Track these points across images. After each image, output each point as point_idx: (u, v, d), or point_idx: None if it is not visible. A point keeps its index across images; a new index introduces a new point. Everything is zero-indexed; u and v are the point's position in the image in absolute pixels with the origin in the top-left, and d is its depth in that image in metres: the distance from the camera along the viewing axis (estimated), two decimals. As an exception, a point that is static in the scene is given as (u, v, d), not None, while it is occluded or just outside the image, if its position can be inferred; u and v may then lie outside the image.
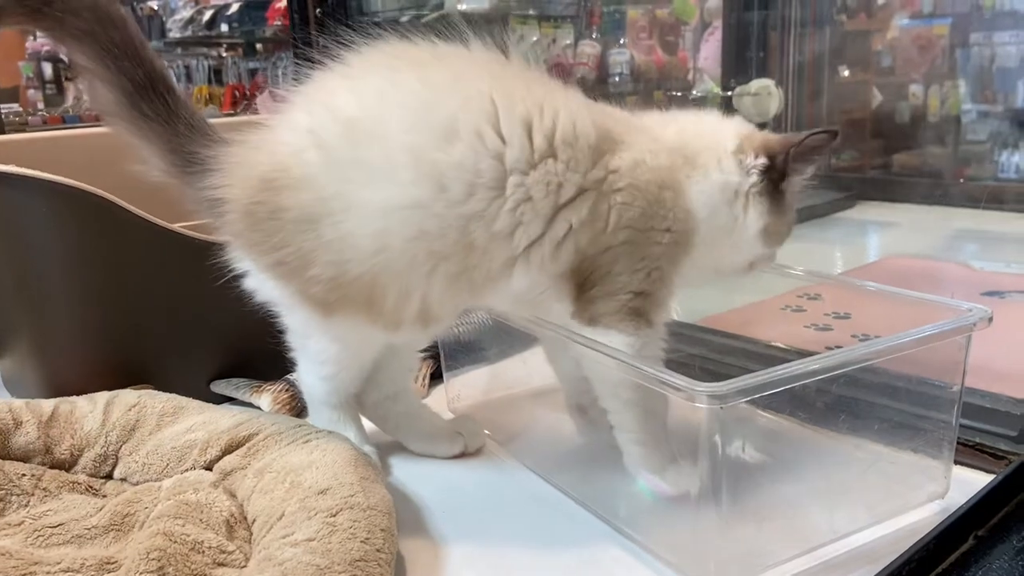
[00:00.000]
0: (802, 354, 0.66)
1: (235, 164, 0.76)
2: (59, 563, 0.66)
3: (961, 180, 2.07)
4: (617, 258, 0.73)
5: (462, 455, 0.90)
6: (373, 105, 0.72)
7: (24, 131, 1.54)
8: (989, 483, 0.72)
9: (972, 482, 0.75)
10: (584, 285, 0.75)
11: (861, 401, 0.75)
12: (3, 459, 0.78)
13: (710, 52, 2.64)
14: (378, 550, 0.63)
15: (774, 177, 0.76)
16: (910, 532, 0.68)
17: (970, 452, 0.82)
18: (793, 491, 0.76)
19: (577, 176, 0.72)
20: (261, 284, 0.80)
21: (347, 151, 0.71)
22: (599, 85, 2.67)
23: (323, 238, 0.71)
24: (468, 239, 0.70)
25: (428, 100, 0.71)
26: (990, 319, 0.71)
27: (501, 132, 0.70)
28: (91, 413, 0.82)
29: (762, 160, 0.75)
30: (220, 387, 1.02)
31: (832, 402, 0.77)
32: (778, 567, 0.66)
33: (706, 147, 0.77)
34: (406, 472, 0.87)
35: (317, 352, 0.82)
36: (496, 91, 0.71)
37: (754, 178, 0.76)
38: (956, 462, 0.79)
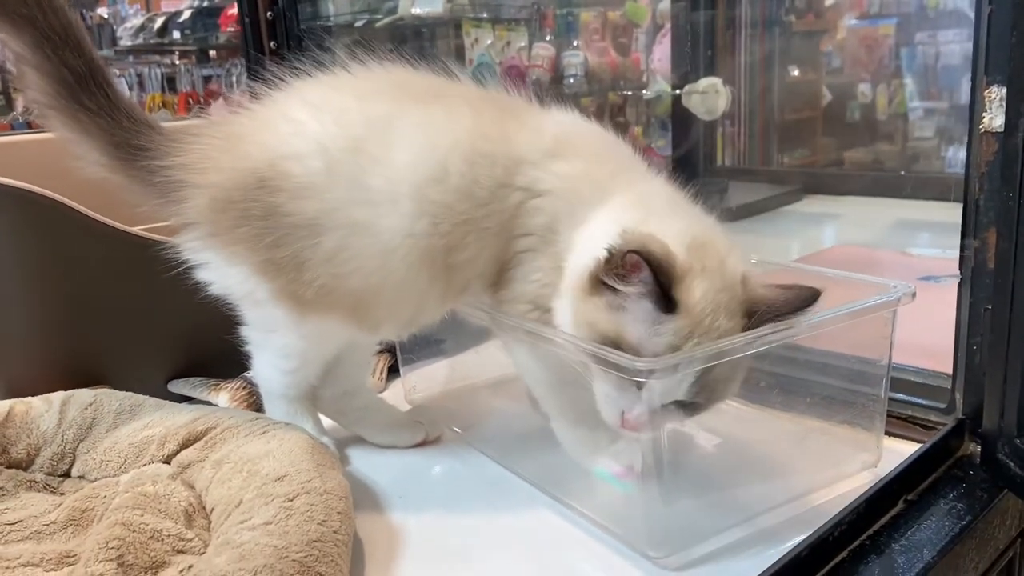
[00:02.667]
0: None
1: (216, 148, 0.76)
2: (18, 558, 0.67)
3: (902, 173, 2.14)
4: (518, 263, 0.76)
5: (423, 443, 0.92)
6: (381, 131, 0.75)
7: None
8: (918, 450, 0.77)
9: (904, 452, 0.79)
10: (497, 284, 0.78)
11: (796, 378, 0.79)
12: (-41, 460, 0.79)
13: (663, 53, 2.68)
14: (335, 531, 0.65)
15: (606, 265, 0.67)
16: (844, 500, 0.71)
17: (903, 424, 0.86)
18: (732, 464, 0.80)
19: (519, 192, 0.75)
20: (223, 276, 0.80)
21: (353, 170, 0.74)
22: (554, 86, 2.70)
23: (323, 247, 0.74)
24: (449, 262, 0.76)
25: (427, 139, 0.75)
26: (913, 295, 0.75)
27: (475, 171, 0.74)
28: (47, 412, 0.83)
29: (620, 244, 0.66)
30: (178, 387, 1.02)
31: (769, 378, 0.80)
32: (718, 536, 0.69)
33: (627, 212, 0.72)
34: (364, 461, 0.89)
35: (282, 347, 0.83)
36: (476, 130, 0.75)
37: (603, 250, 0.68)
38: (890, 434, 0.84)
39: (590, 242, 0.71)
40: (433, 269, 0.76)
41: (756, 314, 0.67)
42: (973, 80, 0.74)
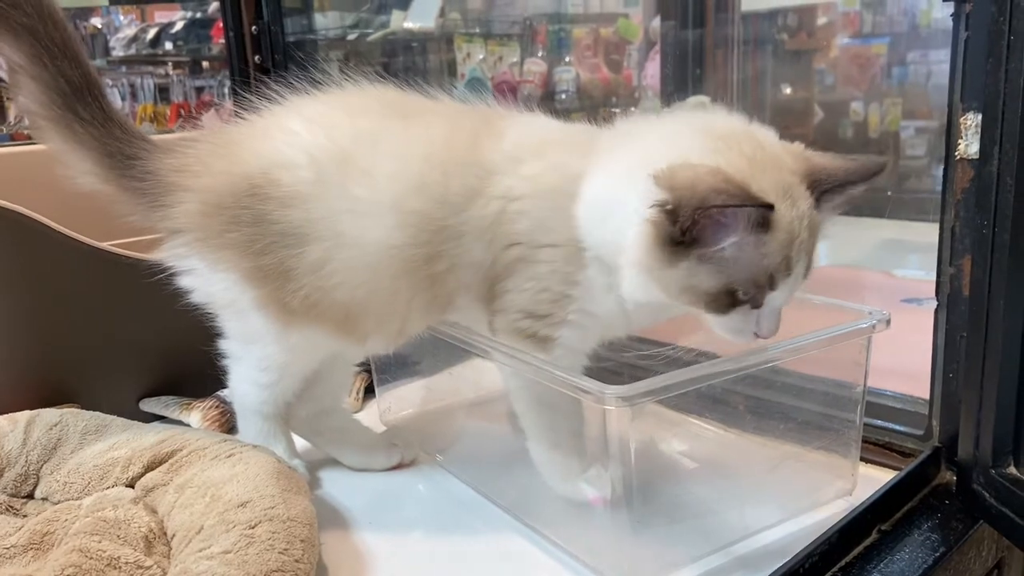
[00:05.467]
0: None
1: (210, 154, 0.77)
2: (-25, 583, 0.66)
3: (888, 193, 2.13)
4: (510, 274, 0.75)
5: (397, 467, 0.91)
6: (367, 144, 0.75)
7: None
8: (893, 479, 0.75)
9: (880, 480, 0.78)
10: (490, 297, 0.77)
11: (771, 402, 0.78)
12: (-81, 481, 0.77)
13: (655, 70, 2.69)
14: (296, 560, 0.63)
15: (673, 227, 0.62)
16: (818, 528, 0.70)
17: (880, 451, 0.85)
18: (705, 490, 0.79)
19: (497, 200, 0.74)
20: (207, 283, 0.79)
21: (340, 181, 0.74)
22: (545, 102, 2.71)
23: (308, 258, 0.74)
24: (431, 272, 0.75)
25: (406, 152, 0.75)
26: (888, 322, 0.74)
27: (448, 180, 0.74)
28: (11, 432, 0.81)
29: (664, 196, 0.62)
30: (149, 405, 1.01)
31: (744, 403, 0.79)
32: (690, 565, 0.68)
33: (625, 154, 0.69)
34: (336, 484, 0.88)
35: (261, 359, 0.82)
36: (448, 142, 0.75)
37: (650, 211, 0.63)
38: (867, 460, 0.83)
39: (614, 213, 0.67)
40: (414, 279, 0.75)
41: (818, 187, 0.66)
42: (949, 106, 0.74)
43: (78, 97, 0.76)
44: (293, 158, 0.75)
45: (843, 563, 0.68)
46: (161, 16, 4.18)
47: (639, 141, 0.71)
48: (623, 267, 0.67)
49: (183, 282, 0.80)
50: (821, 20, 2.81)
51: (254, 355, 0.82)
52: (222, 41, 3.63)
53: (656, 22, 2.58)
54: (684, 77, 2.26)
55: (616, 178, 0.69)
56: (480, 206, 0.74)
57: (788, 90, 2.68)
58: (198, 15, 3.90)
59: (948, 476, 0.79)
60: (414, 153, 0.75)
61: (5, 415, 0.84)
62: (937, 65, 2.41)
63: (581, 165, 0.72)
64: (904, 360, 0.84)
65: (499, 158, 0.75)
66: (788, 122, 2.67)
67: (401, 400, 1.01)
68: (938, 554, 0.69)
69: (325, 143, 0.75)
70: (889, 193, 2.15)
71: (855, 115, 2.66)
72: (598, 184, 0.70)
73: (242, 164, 0.76)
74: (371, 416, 1.02)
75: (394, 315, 0.78)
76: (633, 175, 0.65)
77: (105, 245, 0.94)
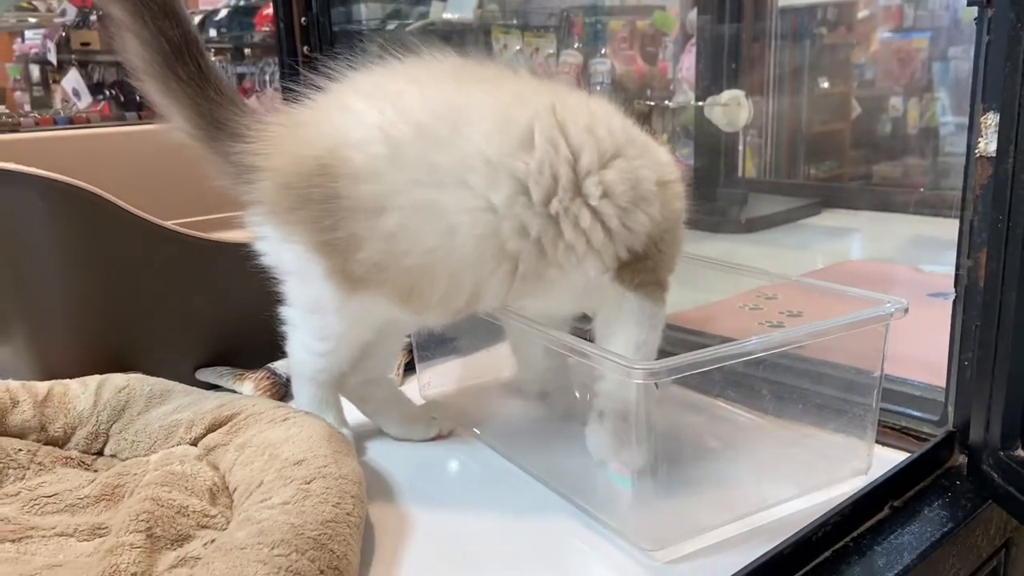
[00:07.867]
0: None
1: (280, 136, 0.80)
2: (54, 528, 0.72)
3: (921, 189, 2.15)
4: (661, 248, 0.81)
5: (436, 438, 0.96)
6: (445, 114, 0.76)
7: (17, 132, 1.60)
8: (906, 459, 0.80)
9: (895, 461, 0.81)
10: (630, 272, 0.80)
11: (791, 386, 0.82)
12: (1, 435, 0.84)
13: (691, 63, 2.70)
14: (348, 513, 0.69)
15: None
16: (833, 503, 0.74)
17: (897, 435, 0.89)
18: (726, 465, 0.83)
19: (648, 171, 0.79)
20: (277, 252, 0.84)
21: (417, 153, 0.75)
22: (580, 93, 2.72)
23: (379, 228, 0.76)
24: (546, 238, 0.77)
25: (503, 114, 0.77)
26: (906, 310, 0.78)
27: (570, 140, 0.76)
28: (83, 394, 0.88)
29: None
30: (205, 375, 1.07)
31: (765, 387, 0.84)
32: (710, 532, 0.73)
33: None
34: (379, 452, 0.93)
35: (320, 328, 0.85)
36: (559, 105, 0.78)
37: None
38: (884, 444, 0.87)
39: None
40: (514, 244, 0.76)
41: None
42: (971, 105, 0.78)
43: (177, 56, 0.79)
44: (361, 136, 0.76)
45: (855, 534, 0.72)
46: (205, 3, 4.27)
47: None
48: None
49: (258, 247, 0.85)
50: (861, 14, 2.81)
51: (313, 324, 0.86)
52: (264, 29, 3.71)
53: (693, 15, 2.59)
54: (720, 71, 2.28)
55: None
56: (598, 186, 0.76)
57: (826, 84, 2.69)
58: (241, 3, 3.98)
59: (960, 459, 0.83)
60: (513, 112, 0.76)
61: (77, 379, 0.92)
62: (980, 61, 2.39)
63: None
64: (926, 350, 0.88)
65: (608, 142, 0.78)
66: (826, 117, 2.67)
67: (440, 376, 1.07)
68: (946, 529, 0.73)
69: (392, 115, 0.76)
70: (922, 189, 2.16)
71: (894, 110, 2.66)
72: None
73: (309, 145, 0.78)
74: (411, 391, 1.08)
75: (461, 288, 0.79)
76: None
77: (168, 224, 1.00)
